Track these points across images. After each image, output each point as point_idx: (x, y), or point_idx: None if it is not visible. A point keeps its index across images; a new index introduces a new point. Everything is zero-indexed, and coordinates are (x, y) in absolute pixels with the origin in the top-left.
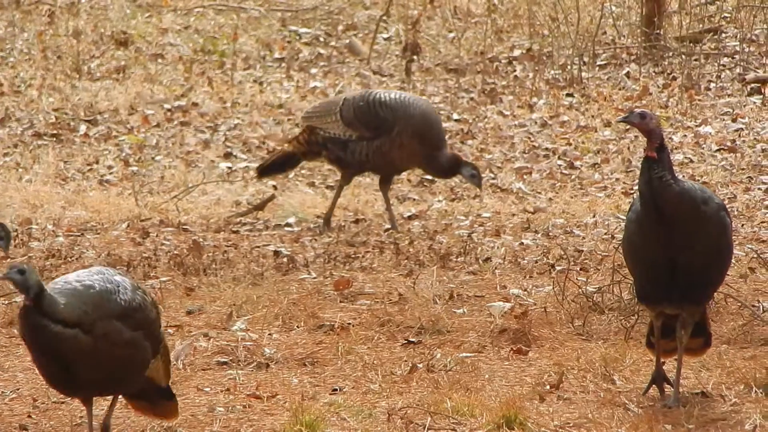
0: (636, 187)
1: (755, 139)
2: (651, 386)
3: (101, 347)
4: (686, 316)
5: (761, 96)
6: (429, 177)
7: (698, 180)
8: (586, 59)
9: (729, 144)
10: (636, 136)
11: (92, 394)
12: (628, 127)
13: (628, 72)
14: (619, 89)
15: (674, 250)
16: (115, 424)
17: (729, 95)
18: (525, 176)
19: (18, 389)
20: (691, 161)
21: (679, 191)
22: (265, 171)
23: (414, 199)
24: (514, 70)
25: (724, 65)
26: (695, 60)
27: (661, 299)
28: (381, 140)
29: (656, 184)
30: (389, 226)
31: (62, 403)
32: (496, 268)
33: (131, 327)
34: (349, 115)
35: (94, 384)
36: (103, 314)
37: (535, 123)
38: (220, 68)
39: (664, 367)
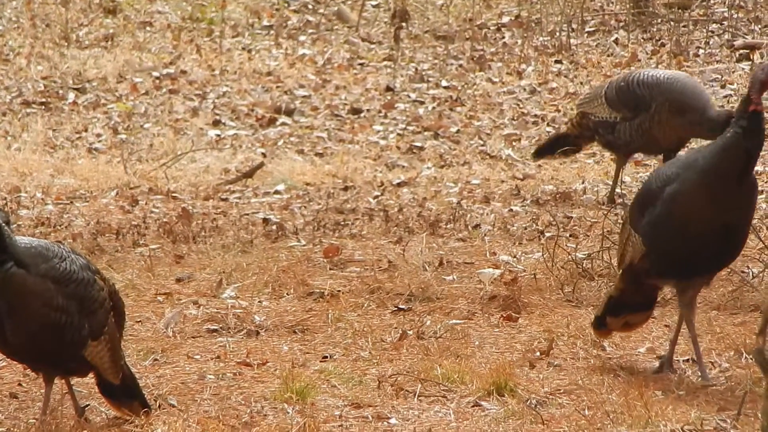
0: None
1: None
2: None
3: (34, 298)
4: (693, 291)
5: (750, 62)
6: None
7: (688, 146)
8: (574, 26)
9: None
10: None
11: (26, 358)
12: None
13: (616, 38)
14: (608, 56)
15: (732, 215)
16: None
17: (718, 61)
18: (514, 143)
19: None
20: None
21: None
22: (541, 152)
23: (403, 166)
24: (503, 37)
25: (712, 31)
26: (684, 26)
27: (696, 272)
28: (641, 118)
29: (762, 138)
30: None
31: None
32: (485, 234)
33: (64, 295)
34: (612, 97)
35: (23, 343)
36: (41, 270)
37: (524, 90)
38: (208, 36)
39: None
